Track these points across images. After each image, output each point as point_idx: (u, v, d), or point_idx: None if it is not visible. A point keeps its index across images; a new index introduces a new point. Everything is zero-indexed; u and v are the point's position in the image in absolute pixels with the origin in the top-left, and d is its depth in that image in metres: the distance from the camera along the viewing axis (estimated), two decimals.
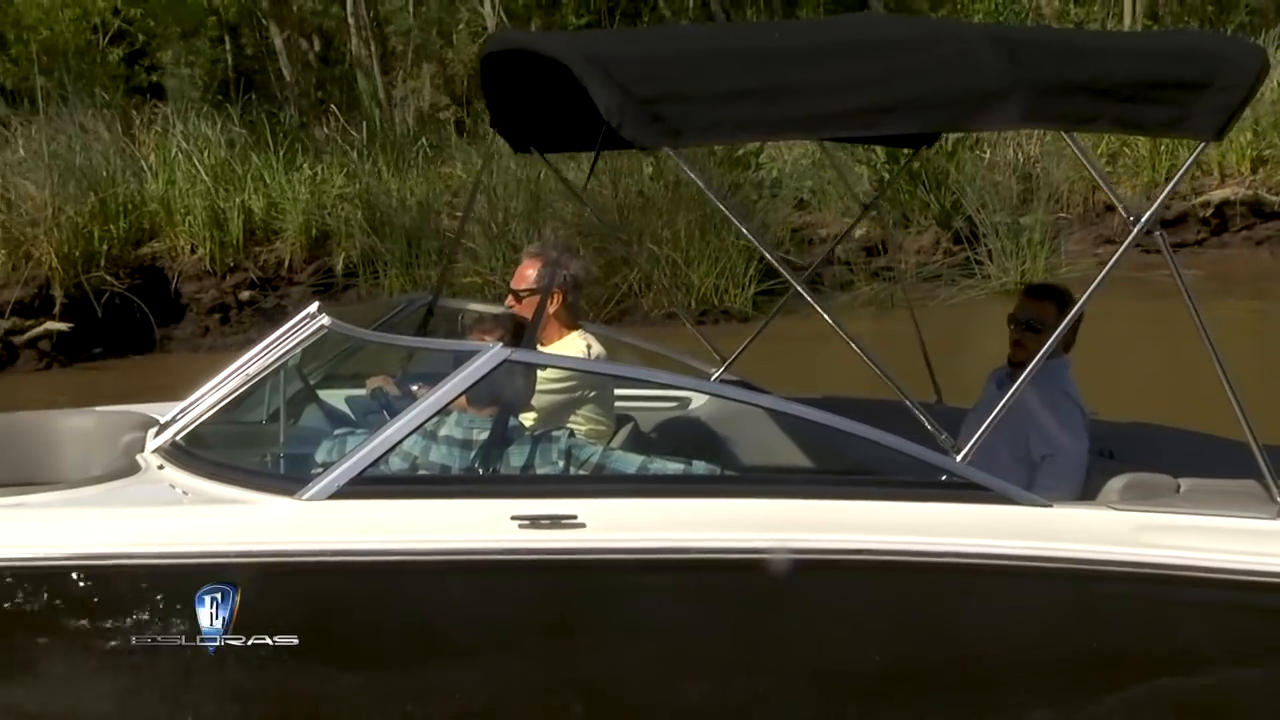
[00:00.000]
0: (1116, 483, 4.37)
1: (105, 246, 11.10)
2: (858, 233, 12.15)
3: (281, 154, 11.82)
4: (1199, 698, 4.22)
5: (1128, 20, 19.24)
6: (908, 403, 4.18)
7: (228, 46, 13.64)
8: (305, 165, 12.08)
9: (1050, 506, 4.14)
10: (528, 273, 5.06)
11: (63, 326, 10.85)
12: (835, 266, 12.50)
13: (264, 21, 14.10)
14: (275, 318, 11.24)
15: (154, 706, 3.90)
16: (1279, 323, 11.66)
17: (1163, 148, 13.74)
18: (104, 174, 11.32)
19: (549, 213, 11.42)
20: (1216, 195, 13.41)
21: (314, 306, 4.80)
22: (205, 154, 11.73)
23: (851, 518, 4.11)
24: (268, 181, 11.80)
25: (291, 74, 14.70)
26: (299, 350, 4.69)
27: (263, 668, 3.90)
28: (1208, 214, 13.24)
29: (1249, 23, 19.06)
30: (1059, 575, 4.10)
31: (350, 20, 15.04)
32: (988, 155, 13.84)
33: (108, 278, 10.99)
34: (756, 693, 4.15)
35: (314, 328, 4.70)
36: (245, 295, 11.65)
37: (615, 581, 4.05)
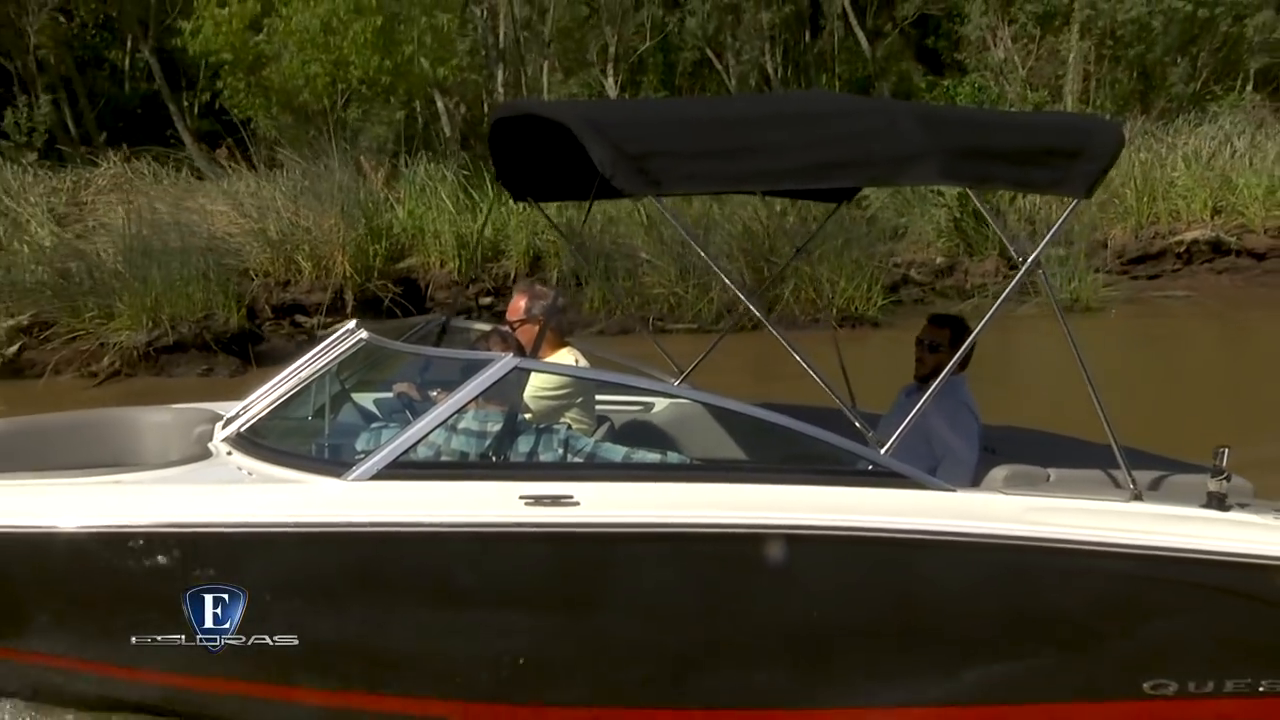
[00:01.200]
0: (999, 472, 4.89)
1: (377, 262, 13.52)
2: (938, 259, 15.04)
3: (496, 191, 14.12)
4: (1075, 643, 4.76)
5: (1070, 103, 22.75)
6: (844, 408, 4.71)
7: (416, 108, 16.22)
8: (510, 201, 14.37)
9: (954, 491, 4.67)
10: (520, 303, 5.76)
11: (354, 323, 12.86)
12: (910, 286, 15.01)
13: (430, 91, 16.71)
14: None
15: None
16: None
17: (1145, 198, 16.59)
18: (369, 205, 13.60)
19: (719, 232, 13.83)
20: (1187, 236, 16.20)
21: (353, 323, 5.50)
22: (442, 190, 14.14)
23: (795, 499, 4.55)
24: (484, 213, 13.99)
25: (451, 130, 17.45)
26: (339, 359, 5.25)
27: (312, 618, 4.39)
28: (1180, 250, 16.08)
29: (1170, 108, 21.77)
30: (962, 547, 4.59)
31: (500, 90, 17.83)
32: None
33: (381, 286, 13.43)
34: (717, 639, 4.62)
35: (354, 340, 5.29)
36: (485, 301, 13.98)
37: (604, 550, 4.50)
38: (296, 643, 4.41)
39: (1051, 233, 5.23)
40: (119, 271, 12.73)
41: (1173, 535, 4.84)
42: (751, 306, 4.91)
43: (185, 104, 17.72)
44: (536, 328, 5.33)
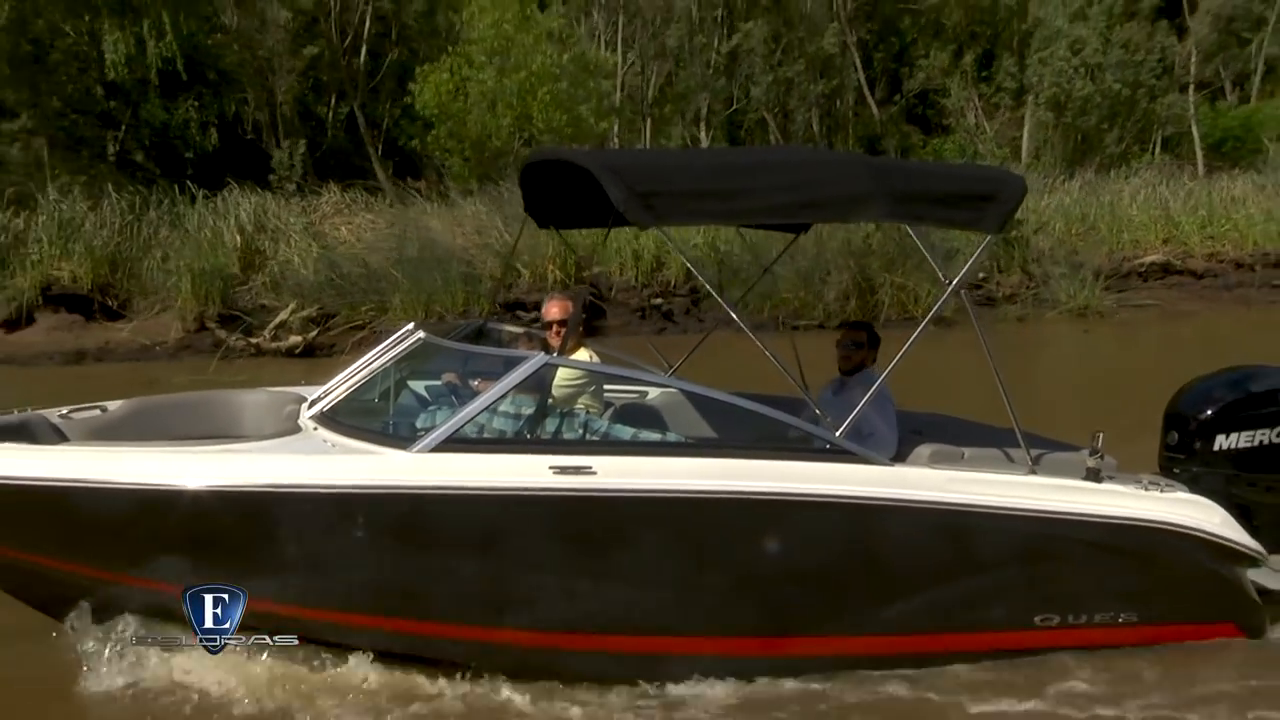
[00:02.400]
0: (924, 450, 5.49)
1: (572, 270, 16.00)
2: (980, 274, 17.84)
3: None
4: (983, 585, 5.45)
5: (1025, 158, 26.41)
6: (805, 397, 5.27)
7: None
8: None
9: (891, 466, 5.26)
10: (553, 310, 6.21)
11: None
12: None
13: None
14: (671, 317, 17.08)
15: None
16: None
17: (1114, 230, 20.09)
18: None
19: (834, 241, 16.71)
20: (1146, 259, 19.87)
21: (410, 325, 6.01)
22: None
23: (768, 471, 5.15)
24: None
25: None
26: (401, 354, 5.78)
27: (376, 559, 4.97)
28: (1142, 270, 19.63)
29: (1104, 164, 25.45)
30: (899, 510, 5.23)
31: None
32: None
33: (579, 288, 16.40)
34: (703, 583, 5.20)
35: (413, 339, 5.83)
36: (655, 301, 16.95)
37: (615, 510, 5.05)
38: (359, 580, 5.04)
39: (970, 262, 5.92)
40: (390, 273, 15.73)
41: (1059, 501, 5.56)
42: (730, 311, 5.53)
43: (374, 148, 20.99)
44: (563, 330, 6.04)
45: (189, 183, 18.34)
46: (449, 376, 6.00)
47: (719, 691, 5.48)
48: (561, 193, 6.44)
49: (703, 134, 20.89)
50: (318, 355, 14.94)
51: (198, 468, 4.99)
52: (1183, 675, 5.75)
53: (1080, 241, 20.01)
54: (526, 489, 5.03)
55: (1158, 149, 26.75)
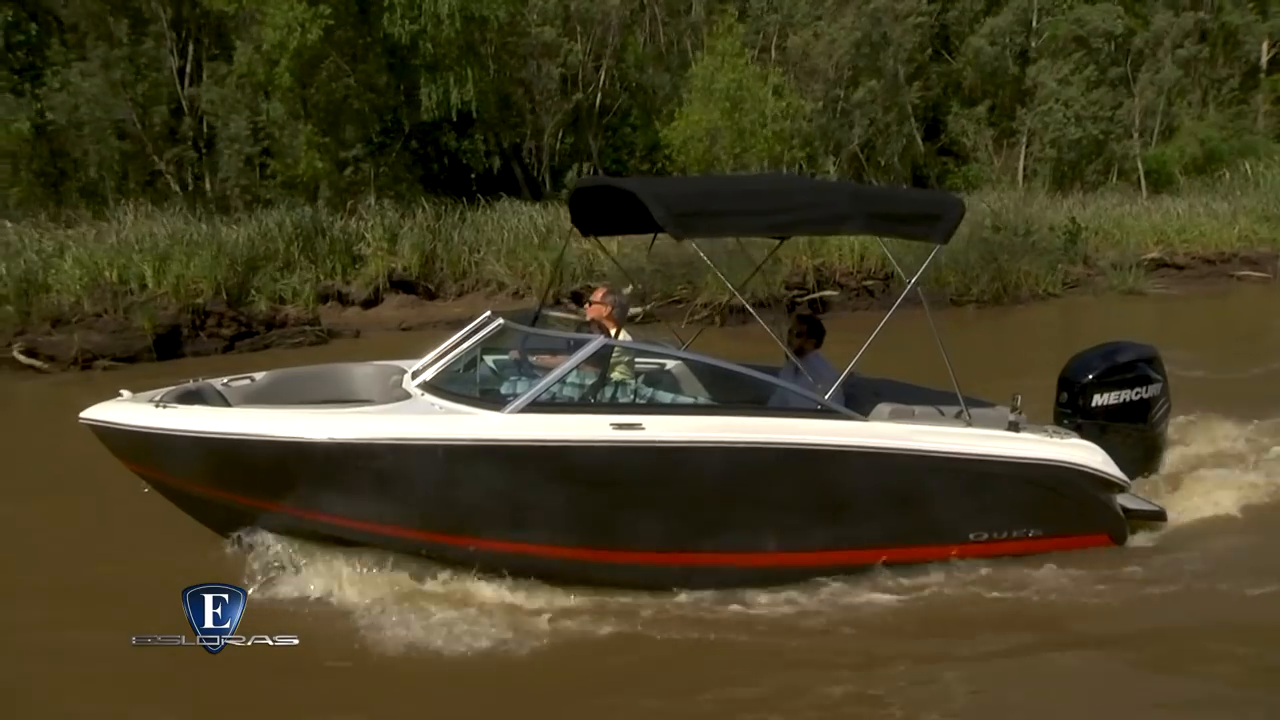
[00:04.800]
0: (884, 408, 6.46)
1: (806, 260, 19.82)
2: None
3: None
4: (932, 510, 6.50)
5: (1021, 183, 31.25)
6: (803, 368, 6.32)
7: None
8: None
9: (866, 421, 6.25)
10: (596, 298, 7.23)
11: (834, 293, 19.85)
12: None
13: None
14: (873, 294, 20.28)
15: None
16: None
17: (1122, 234, 25.19)
18: None
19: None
20: (1147, 256, 24.42)
21: (489, 312, 6.94)
22: None
23: (772, 426, 6.06)
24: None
25: None
26: (484, 335, 6.66)
27: (480, 493, 5.75)
28: (1145, 263, 23.85)
29: (1084, 188, 30.06)
30: (873, 454, 6.21)
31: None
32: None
33: (812, 272, 19.97)
34: (725, 511, 6.09)
35: (495, 324, 6.70)
36: (868, 283, 20.13)
37: (660, 456, 5.92)
38: (464, 507, 5.80)
39: (925, 265, 6.73)
40: (699, 259, 19.83)
41: (989, 447, 6.56)
42: (745, 304, 6.85)
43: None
44: (610, 312, 6.94)
45: (480, 196, 22.82)
46: (514, 354, 6.88)
47: (745, 596, 6.46)
48: (601, 210, 7.60)
49: (831, 166, 26.37)
50: (644, 323, 17.20)
51: (338, 425, 5.78)
52: (1074, 569, 6.94)
53: (1102, 242, 25.03)
54: (593, 440, 5.85)
55: (1114, 178, 33.09)
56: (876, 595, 6.53)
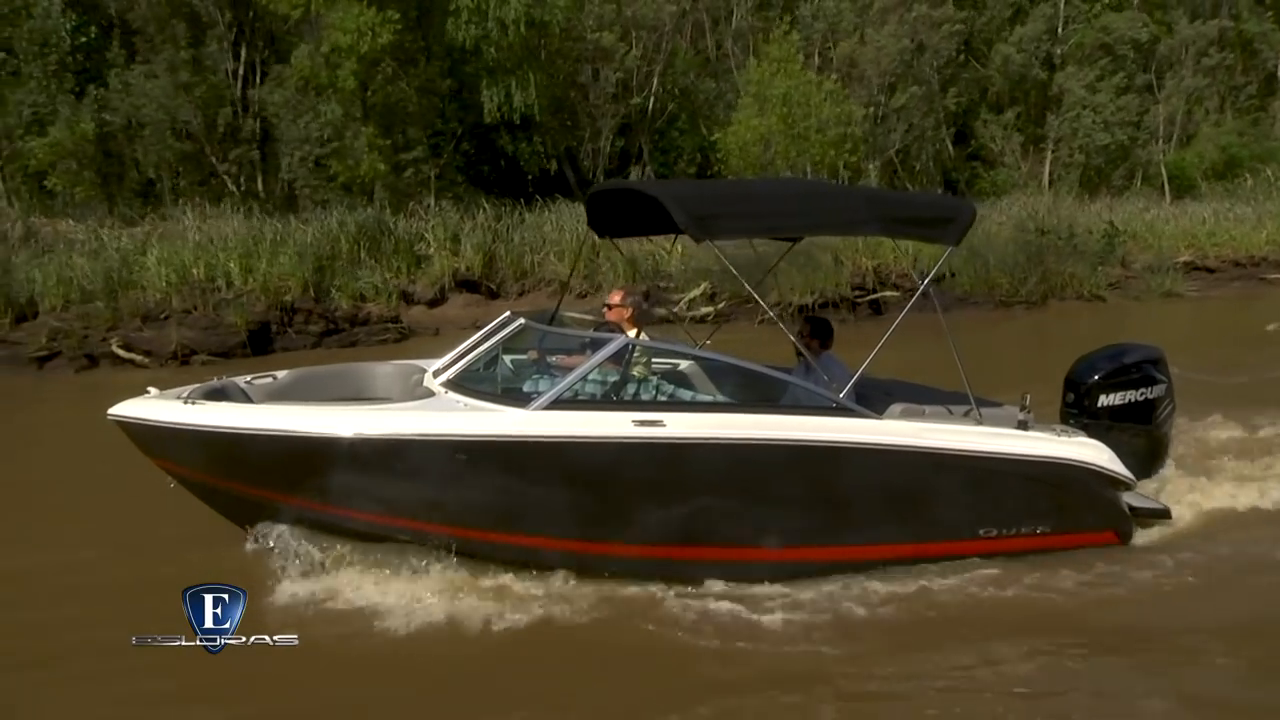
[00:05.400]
0: (896, 407, 6.47)
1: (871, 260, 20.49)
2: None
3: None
4: (944, 506, 6.48)
5: (1047, 186, 32.01)
6: (816, 367, 6.32)
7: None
8: None
9: (879, 419, 6.22)
10: (615, 298, 7.25)
11: (893, 293, 20.32)
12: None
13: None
14: (927, 295, 21.10)
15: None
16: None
17: (1156, 238, 25.67)
18: None
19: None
20: (1180, 259, 25.04)
21: (509, 313, 6.97)
22: None
23: (788, 423, 6.10)
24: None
25: None
26: (504, 335, 6.70)
27: (503, 487, 5.75)
28: (1177, 266, 24.47)
29: (1109, 192, 31.32)
30: (888, 450, 6.21)
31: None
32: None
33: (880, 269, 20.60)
34: (741, 505, 6.12)
35: (515, 324, 6.77)
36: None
37: (679, 452, 5.96)
38: (476, 500, 5.82)
39: (936, 267, 7.10)
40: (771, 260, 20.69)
41: (999, 445, 6.52)
42: (761, 303, 7.10)
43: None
44: (630, 314, 6.97)
45: (539, 197, 23.19)
46: (534, 354, 6.91)
47: (757, 590, 6.42)
48: (618, 213, 7.70)
49: (872, 171, 26.86)
50: (710, 322, 18.13)
51: (366, 421, 5.82)
52: (1079, 566, 6.92)
53: (1135, 245, 25.37)
54: (616, 437, 5.90)
55: (1139, 183, 33.66)
56: (878, 594, 6.52)
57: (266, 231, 19.33)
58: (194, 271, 17.53)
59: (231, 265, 17.72)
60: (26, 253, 18.27)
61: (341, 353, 16.83)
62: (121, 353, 16.02)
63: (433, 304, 21.06)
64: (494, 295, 21.66)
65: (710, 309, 19.65)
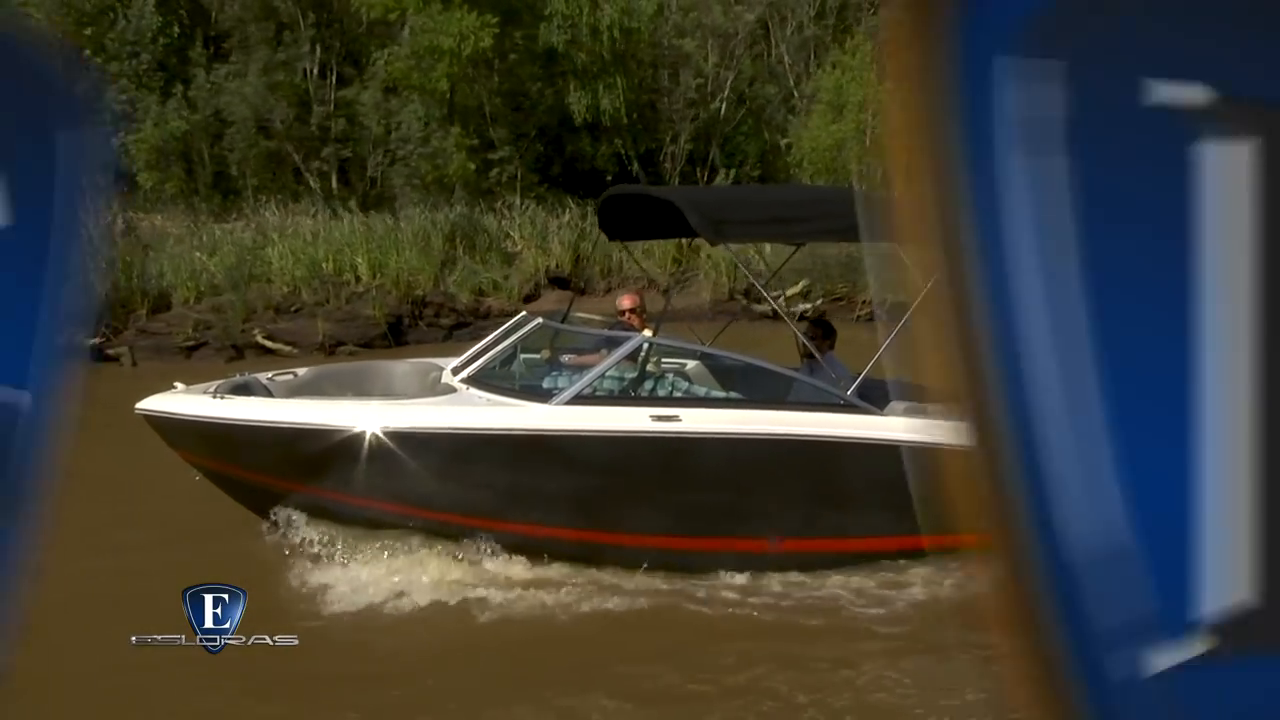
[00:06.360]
0: (898, 405, 6.41)
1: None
2: None
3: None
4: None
5: None
6: (824, 365, 6.42)
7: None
8: None
9: (884, 416, 6.23)
10: (625, 301, 7.41)
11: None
12: None
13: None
14: None
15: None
16: None
17: None
18: None
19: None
20: None
21: (524, 313, 7.31)
22: None
23: (799, 419, 6.26)
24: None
25: None
26: (522, 334, 6.89)
27: (525, 479, 5.92)
28: None
29: None
30: (893, 447, 6.14)
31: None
32: None
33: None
34: (745, 500, 6.27)
35: (533, 323, 7.05)
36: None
37: (695, 445, 6.20)
38: (498, 492, 5.99)
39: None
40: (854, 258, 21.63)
41: None
42: (771, 302, 7.52)
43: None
44: (639, 316, 7.11)
45: None
46: (547, 353, 7.10)
47: (759, 582, 6.55)
48: (629, 217, 7.89)
49: None
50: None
51: (392, 415, 6.00)
52: None
53: None
54: (635, 431, 6.11)
55: None
56: (879, 592, 6.64)
57: (377, 227, 19.74)
58: (324, 266, 17.95)
59: (359, 260, 18.14)
60: (125, 245, 18.49)
61: (470, 345, 17.23)
62: (268, 343, 16.46)
63: (527, 299, 21.36)
64: (582, 292, 22.39)
65: (809, 306, 20.27)
